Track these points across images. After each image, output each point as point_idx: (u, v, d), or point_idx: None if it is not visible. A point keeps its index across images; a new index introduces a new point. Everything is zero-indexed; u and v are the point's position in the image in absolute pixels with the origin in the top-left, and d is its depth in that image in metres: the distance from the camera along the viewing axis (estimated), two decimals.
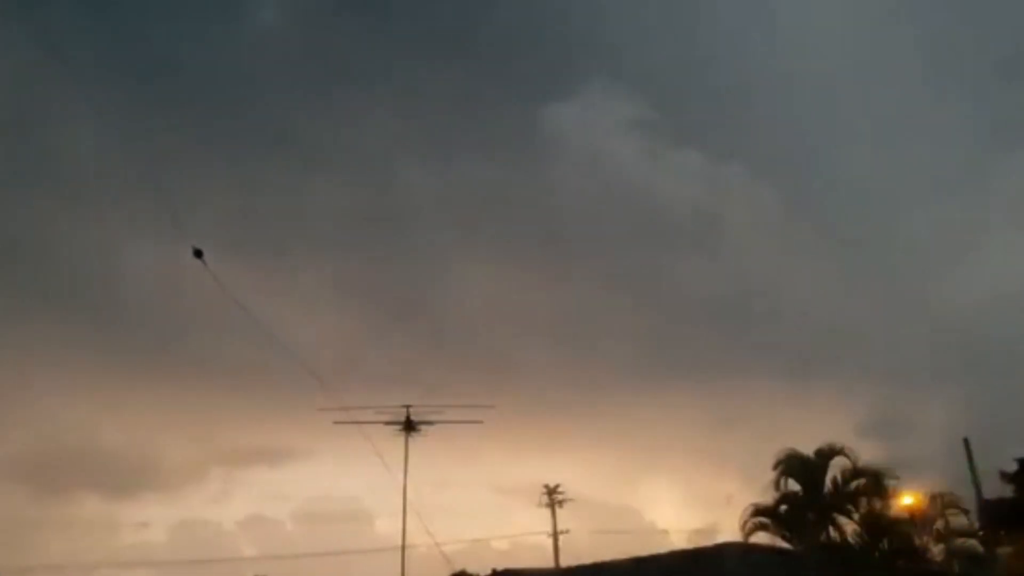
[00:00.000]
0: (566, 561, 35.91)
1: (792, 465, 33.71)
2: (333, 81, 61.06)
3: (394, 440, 35.81)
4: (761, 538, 33.92)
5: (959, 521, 33.48)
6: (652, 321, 56.86)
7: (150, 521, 55.78)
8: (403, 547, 34.25)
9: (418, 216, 61.87)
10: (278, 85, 59.67)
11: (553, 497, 36.27)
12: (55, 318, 52.92)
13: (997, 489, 33.34)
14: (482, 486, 52.02)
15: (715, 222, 60.72)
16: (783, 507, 33.94)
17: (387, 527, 46.91)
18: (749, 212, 60.41)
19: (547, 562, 37.68)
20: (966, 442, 31.55)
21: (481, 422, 35.74)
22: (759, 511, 33.85)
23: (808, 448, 34.06)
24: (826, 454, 33.54)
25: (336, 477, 47.24)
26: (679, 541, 43.13)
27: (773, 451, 34.59)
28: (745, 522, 33.89)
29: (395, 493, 34.37)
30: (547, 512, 36.63)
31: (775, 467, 33.87)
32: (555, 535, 35.90)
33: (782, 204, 59.40)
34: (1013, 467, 33.73)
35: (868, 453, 34.44)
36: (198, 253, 22.62)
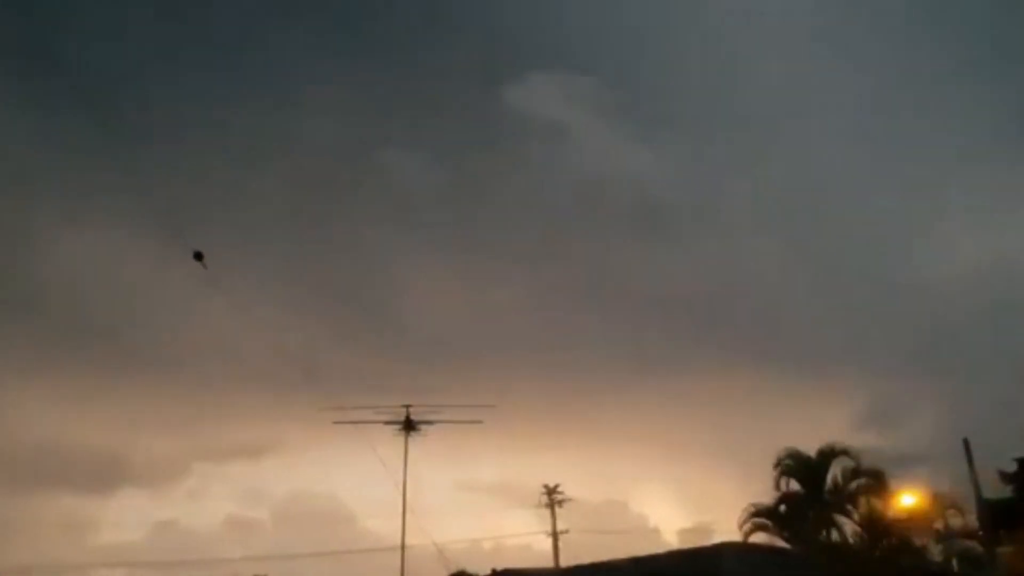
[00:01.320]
0: (562, 561, 35.89)
1: (793, 465, 33.69)
2: (274, 71, 58.49)
3: (393, 440, 35.84)
4: (760, 538, 34.00)
5: (959, 521, 33.46)
6: (642, 316, 55.89)
7: (128, 519, 55.16)
8: (403, 547, 34.24)
9: (364, 212, 59.56)
10: (214, 74, 57.20)
11: (553, 497, 36.25)
12: (29, 315, 52.19)
13: (997, 489, 33.32)
14: (481, 486, 51.79)
15: (696, 212, 59.42)
16: (783, 507, 33.94)
17: (385, 527, 46.76)
18: (732, 203, 59.47)
19: (537, 561, 37.76)
20: (966, 442, 31.36)
21: (481, 422, 35.77)
22: (758, 511, 33.85)
23: (806, 446, 34.08)
24: (828, 454, 33.51)
25: (334, 477, 46.87)
26: (676, 541, 43.08)
27: (769, 448, 34.62)
28: (744, 522, 33.93)
29: (394, 493, 34.38)
30: (545, 512, 36.69)
31: (775, 466, 33.87)
32: (555, 535, 35.87)
33: (764, 196, 58.39)
34: (1013, 467, 33.73)
35: (866, 451, 34.45)
36: (198, 256, 22.40)
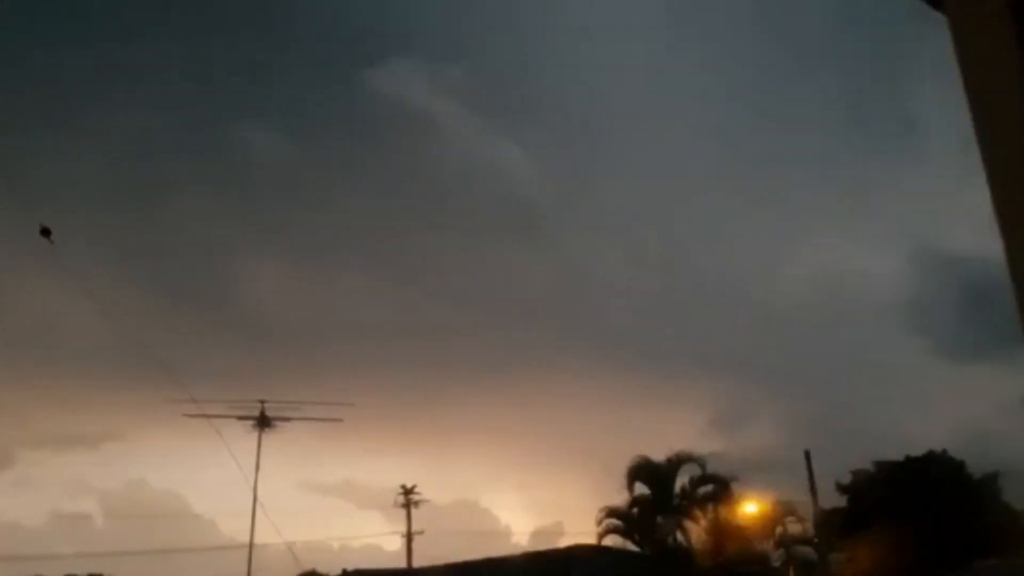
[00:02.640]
0: (415, 562, 35.57)
1: (644, 472, 34.56)
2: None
3: (247, 436, 34.65)
4: (613, 540, 34.81)
5: (798, 528, 35.11)
6: (502, 316, 54.90)
7: None
8: (251, 545, 33.13)
9: (212, 193, 54.81)
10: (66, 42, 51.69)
11: (409, 498, 35.90)
12: None
13: (835, 498, 35.14)
14: (336, 484, 50.55)
15: (558, 212, 58.46)
16: (635, 511, 34.80)
17: (234, 525, 45.00)
18: (593, 205, 59.05)
19: (386, 562, 37.33)
20: (807, 454, 32.99)
21: (341, 420, 35.06)
22: (612, 513, 34.60)
23: (658, 451, 35.06)
24: (676, 461, 34.55)
25: (183, 472, 44.53)
26: (529, 542, 43.29)
27: (621, 451, 35.47)
28: (600, 523, 34.66)
29: (244, 490, 33.25)
30: (395, 512, 36.33)
31: (628, 474, 34.68)
32: (409, 536, 35.53)
33: (624, 199, 58.23)
34: (848, 478, 35.65)
35: (715, 456, 35.67)
36: (45, 232, 21.10)
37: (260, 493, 33.09)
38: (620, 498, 34.68)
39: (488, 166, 58.18)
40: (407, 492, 36.05)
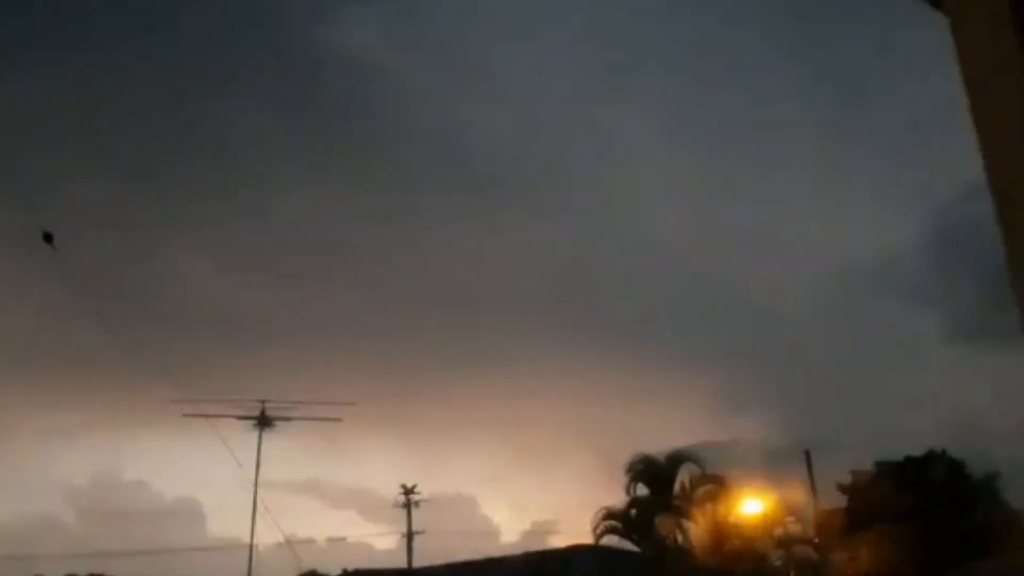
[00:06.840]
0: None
1: (643, 470, 34.57)
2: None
3: (247, 435, 34.67)
4: (611, 541, 34.81)
5: (798, 528, 35.09)
6: (498, 305, 53.04)
7: None
8: (251, 545, 33.14)
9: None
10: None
11: (409, 497, 35.87)
12: None
13: (835, 498, 35.12)
14: (333, 484, 50.38)
15: (543, 183, 55.15)
16: (633, 511, 34.80)
17: (233, 525, 44.96)
18: (574, 189, 56.23)
19: (381, 562, 37.26)
20: (807, 453, 32.98)
21: (340, 419, 35.09)
22: (610, 514, 34.60)
23: (657, 447, 35.04)
24: (676, 459, 34.52)
25: (183, 471, 44.34)
26: (528, 540, 43.08)
27: (618, 446, 35.50)
28: (597, 524, 34.64)
29: (244, 489, 33.30)
30: (392, 511, 36.21)
31: (627, 471, 34.69)
32: (409, 535, 35.47)
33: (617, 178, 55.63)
34: (849, 478, 35.65)
35: (716, 452, 35.63)
36: (48, 237, 21.19)
37: (261, 492, 33.17)
38: (616, 495, 34.74)
39: (470, 130, 55.28)
40: (408, 492, 36.01)
